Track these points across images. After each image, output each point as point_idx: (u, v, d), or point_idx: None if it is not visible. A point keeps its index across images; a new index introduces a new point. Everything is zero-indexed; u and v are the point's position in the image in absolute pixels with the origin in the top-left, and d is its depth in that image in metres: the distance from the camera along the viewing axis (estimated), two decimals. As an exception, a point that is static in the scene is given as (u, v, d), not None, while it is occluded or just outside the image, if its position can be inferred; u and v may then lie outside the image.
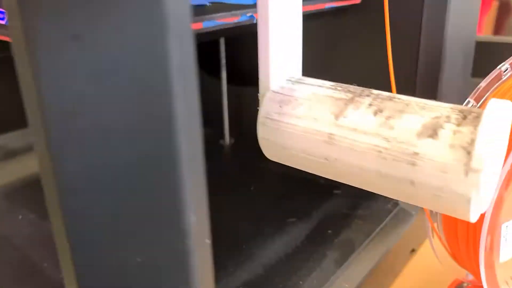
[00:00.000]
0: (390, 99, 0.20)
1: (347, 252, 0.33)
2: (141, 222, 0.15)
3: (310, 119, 0.21)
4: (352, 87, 0.22)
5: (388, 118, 0.19)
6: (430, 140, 0.18)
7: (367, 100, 0.20)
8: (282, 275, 0.31)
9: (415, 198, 0.19)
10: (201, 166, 0.15)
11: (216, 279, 0.30)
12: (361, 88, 0.22)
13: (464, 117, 0.18)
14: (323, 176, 0.22)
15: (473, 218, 0.19)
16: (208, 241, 0.16)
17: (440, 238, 0.30)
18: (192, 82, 0.14)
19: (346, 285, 0.30)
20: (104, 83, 0.14)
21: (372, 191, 0.21)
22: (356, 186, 0.21)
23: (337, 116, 0.21)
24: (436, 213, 0.30)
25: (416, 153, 0.18)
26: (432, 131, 0.18)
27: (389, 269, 0.36)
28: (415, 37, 0.36)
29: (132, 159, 0.15)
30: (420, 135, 0.19)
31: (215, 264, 0.32)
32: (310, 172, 0.22)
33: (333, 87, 0.22)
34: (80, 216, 0.15)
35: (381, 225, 0.36)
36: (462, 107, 0.19)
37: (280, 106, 0.22)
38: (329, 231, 0.35)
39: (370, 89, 0.21)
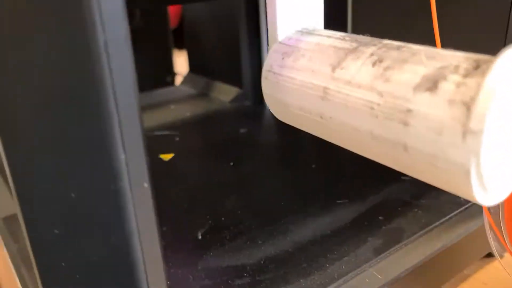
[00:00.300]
0: (398, 48, 0.17)
1: (392, 242, 0.29)
2: (70, 156, 0.15)
3: (308, 71, 0.19)
4: (362, 38, 0.18)
5: (387, 69, 0.16)
6: (427, 94, 0.15)
7: (371, 50, 0.17)
8: (310, 255, 0.28)
9: (411, 167, 0.16)
10: (133, 99, 0.14)
11: (240, 249, 0.29)
12: (372, 38, 0.18)
13: (476, 67, 0.14)
14: (321, 137, 0.19)
15: (482, 200, 0.15)
16: (146, 185, 0.15)
17: (502, 239, 0.25)
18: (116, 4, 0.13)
19: (379, 276, 0.26)
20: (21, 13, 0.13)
21: (368, 157, 0.17)
22: (352, 150, 0.18)
23: (334, 68, 0.18)
24: (498, 205, 0.25)
25: (409, 110, 0.15)
26: (432, 84, 0.15)
27: (447, 271, 0.31)
28: (505, 9, 0.30)
29: (59, 89, 0.14)
30: (417, 88, 0.15)
31: (243, 235, 0.30)
32: (310, 132, 0.20)
33: (341, 37, 0.19)
34: (18, 144, 0.15)
35: (444, 219, 0.31)
36: (481, 56, 0.15)
37: (283, 58, 0.20)
38: (380, 218, 0.31)
39: (382, 40, 0.18)
